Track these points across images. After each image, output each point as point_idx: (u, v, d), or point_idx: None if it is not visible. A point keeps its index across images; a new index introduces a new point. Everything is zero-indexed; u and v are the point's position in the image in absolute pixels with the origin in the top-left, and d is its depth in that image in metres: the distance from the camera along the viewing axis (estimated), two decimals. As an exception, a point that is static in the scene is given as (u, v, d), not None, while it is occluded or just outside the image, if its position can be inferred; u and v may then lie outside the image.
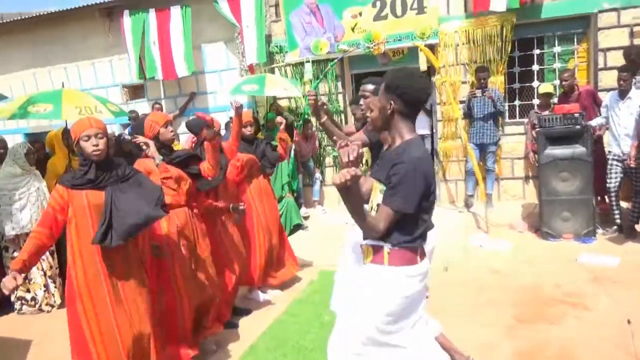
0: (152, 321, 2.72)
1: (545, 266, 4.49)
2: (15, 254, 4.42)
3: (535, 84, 6.10)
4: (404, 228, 2.02)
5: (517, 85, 6.20)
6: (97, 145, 2.50)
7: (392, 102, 2.06)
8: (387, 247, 2.04)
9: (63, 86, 5.52)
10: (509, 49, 5.93)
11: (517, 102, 6.24)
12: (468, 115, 6.00)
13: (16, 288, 2.29)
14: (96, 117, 5.09)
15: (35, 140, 5.63)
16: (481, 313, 3.68)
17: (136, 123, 3.32)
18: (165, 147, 3.14)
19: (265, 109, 7.07)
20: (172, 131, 3.15)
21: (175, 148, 3.35)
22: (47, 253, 4.47)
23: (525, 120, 6.04)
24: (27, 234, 4.42)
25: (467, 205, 6.22)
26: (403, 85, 2.04)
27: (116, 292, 2.58)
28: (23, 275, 2.34)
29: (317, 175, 6.91)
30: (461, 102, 6.17)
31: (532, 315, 3.57)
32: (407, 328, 2.14)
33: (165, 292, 3.07)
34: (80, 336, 2.55)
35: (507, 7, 5.61)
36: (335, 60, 6.29)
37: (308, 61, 6.46)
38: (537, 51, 6.06)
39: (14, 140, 6.46)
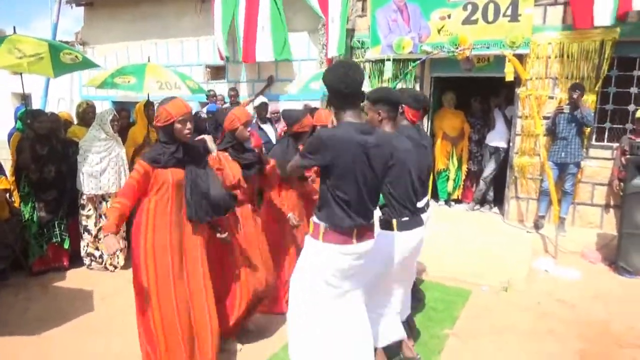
0: (209, 297, 2.83)
1: (619, 303, 4.18)
2: (90, 212, 4.76)
3: (631, 107, 5.65)
4: (328, 209, 2.31)
5: (610, 107, 5.78)
6: (190, 129, 2.70)
7: (328, 95, 2.42)
8: (322, 226, 2.33)
9: (149, 60, 5.84)
10: (607, 67, 5.54)
11: (607, 125, 5.82)
12: (552, 131, 5.68)
13: (118, 250, 2.56)
14: (175, 92, 5.42)
15: (122, 108, 5.99)
16: (541, 342, 3.50)
17: (221, 113, 3.44)
18: (238, 144, 3.23)
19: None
20: (249, 131, 3.24)
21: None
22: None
23: (615, 145, 5.62)
24: (102, 196, 4.74)
25: (537, 226, 5.91)
26: (332, 85, 2.32)
27: (180, 265, 2.72)
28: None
29: None
30: (545, 117, 5.85)
31: (600, 354, 3.34)
32: (340, 297, 2.39)
33: (226, 276, 3.18)
34: (141, 302, 2.71)
35: (611, 22, 5.22)
36: (418, 62, 6.17)
37: (389, 59, 6.39)
38: (638, 72, 5.62)
39: (102, 107, 6.93)
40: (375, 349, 2.83)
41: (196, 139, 3.02)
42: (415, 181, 2.83)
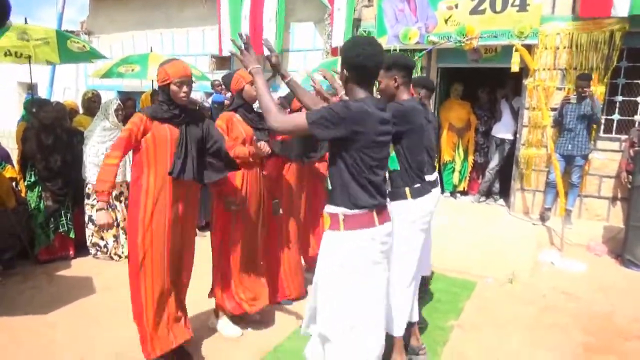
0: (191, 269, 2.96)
1: (624, 296, 4.17)
2: (95, 201, 4.76)
3: (640, 99, 5.59)
4: (345, 191, 2.12)
5: (619, 98, 5.72)
6: (186, 92, 2.70)
7: (344, 71, 2.20)
8: (341, 214, 2.13)
9: (151, 50, 5.84)
10: (616, 58, 5.46)
11: (615, 117, 5.76)
12: (559, 122, 5.62)
13: (112, 225, 2.55)
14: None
15: (128, 98, 5.98)
16: (545, 334, 3.49)
17: (226, 75, 3.41)
18: (247, 105, 3.23)
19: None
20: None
21: None
22: (122, 205, 4.77)
23: (623, 137, 5.57)
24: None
25: (543, 218, 5.88)
26: (349, 57, 2.15)
27: (175, 222, 2.76)
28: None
29: None
30: (552, 109, 5.79)
31: (604, 346, 3.33)
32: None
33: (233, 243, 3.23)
34: (135, 256, 2.73)
35: (629, 13, 5.14)
36: (424, 52, 6.11)
37: (395, 50, 6.34)
38: (648, 64, 5.54)
39: (108, 97, 6.93)
40: (394, 337, 2.80)
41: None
42: (429, 150, 2.81)
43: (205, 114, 5.74)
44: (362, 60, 2.13)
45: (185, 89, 2.69)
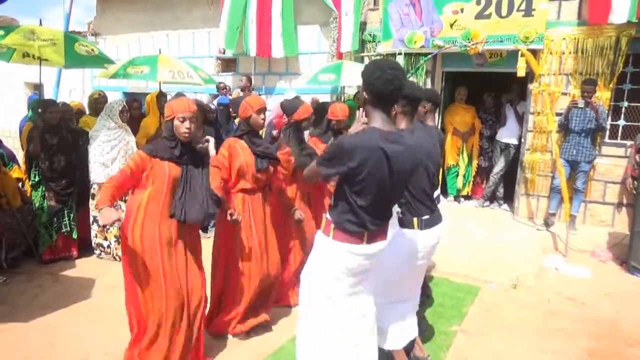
0: (202, 294, 2.86)
1: (629, 302, 4.15)
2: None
3: (646, 104, 5.57)
4: (342, 211, 2.24)
5: (624, 104, 5.70)
6: (189, 128, 2.68)
7: (364, 94, 2.24)
8: (333, 225, 2.27)
9: (160, 52, 5.87)
10: (622, 63, 5.45)
11: (621, 122, 5.75)
12: (564, 127, 5.61)
13: (118, 219, 2.51)
14: (187, 81, 5.40)
15: (134, 99, 6.01)
16: (550, 340, 3.48)
17: (235, 100, 3.41)
18: (252, 132, 3.22)
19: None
20: (263, 118, 3.21)
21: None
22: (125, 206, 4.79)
23: (629, 142, 5.55)
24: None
25: (547, 223, 5.86)
26: (368, 79, 2.18)
27: (170, 260, 2.72)
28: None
29: None
30: (557, 114, 5.78)
31: (609, 352, 3.32)
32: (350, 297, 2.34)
33: (231, 268, 3.22)
34: (133, 294, 2.75)
35: (627, 19, 5.14)
36: (429, 56, 6.11)
37: (400, 53, 6.34)
38: (654, 70, 5.53)
39: (113, 98, 6.95)
40: (392, 351, 2.83)
41: (199, 144, 2.96)
42: (432, 177, 2.79)
43: (211, 116, 5.78)
44: (382, 84, 2.15)
45: (187, 124, 2.66)
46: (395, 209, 2.70)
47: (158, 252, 2.68)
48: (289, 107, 3.78)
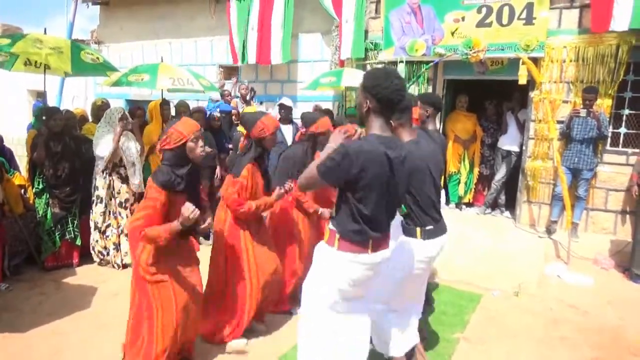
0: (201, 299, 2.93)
1: (632, 310, 4.14)
2: (100, 207, 4.79)
3: (647, 112, 5.59)
4: (345, 220, 2.23)
5: (625, 112, 5.72)
6: (203, 146, 2.65)
7: (367, 101, 2.21)
8: (338, 235, 2.25)
9: (162, 60, 5.91)
10: (622, 71, 5.48)
11: (622, 130, 5.76)
12: (566, 135, 5.62)
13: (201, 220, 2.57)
14: (188, 87, 5.45)
15: (137, 107, 6.04)
16: (553, 348, 3.47)
17: (247, 117, 3.40)
18: (265, 153, 3.27)
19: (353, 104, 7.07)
20: (275, 138, 3.30)
21: None
22: (127, 211, 4.79)
23: (630, 150, 5.56)
24: (112, 192, 4.78)
25: (549, 231, 5.86)
26: (376, 86, 2.16)
27: (178, 274, 2.75)
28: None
29: None
30: (558, 122, 5.80)
31: (612, 361, 3.30)
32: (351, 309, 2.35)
33: (236, 273, 3.23)
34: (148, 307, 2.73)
35: (629, 27, 5.17)
36: (431, 64, 6.14)
37: (402, 61, 6.38)
38: (654, 77, 5.55)
39: (115, 105, 6.99)
40: (393, 358, 2.83)
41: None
42: (437, 187, 2.80)
43: (214, 124, 5.81)
44: (389, 93, 2.16)
45: (201, 143, 2.64)
46: (400, 217, 2.71)
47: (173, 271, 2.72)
48: (307, 119, 3.79)
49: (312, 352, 2.41)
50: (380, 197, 2.20)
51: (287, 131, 5.82)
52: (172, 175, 2.60)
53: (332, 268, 2.29)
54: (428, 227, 2.74)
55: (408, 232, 2.77)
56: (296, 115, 5.96)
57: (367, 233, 2.23)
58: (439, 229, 2.81)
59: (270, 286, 3.36)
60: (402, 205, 2.74)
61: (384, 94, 2.16)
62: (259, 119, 3.21)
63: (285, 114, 5.91)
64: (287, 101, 5.96)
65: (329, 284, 2.30)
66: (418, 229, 2.74)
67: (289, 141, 5.57)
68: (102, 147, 4.69)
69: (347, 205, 2.22)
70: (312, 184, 2.34)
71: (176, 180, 2.61)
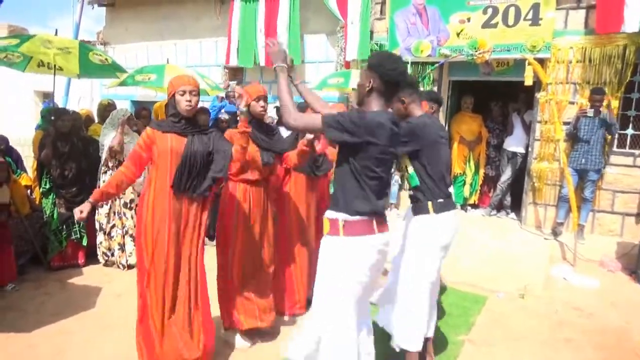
0: (202, 273, 2.89)
1: (638, 313, 4.11)
2: (105, 209, 4.81)
3: (654, 114, 5.55)
4: (350, 196, 2.15)
5: (632, 113, 5.68)
6: (189, 101, 2.70)
7: (371, 80, 2.21)
8: (341, 220, 2.16)
9: (168, 62, 5.94)
10: (630, 72, 5.44)
11: (629, 131, 5.72)
12: (573, 135, 5.59)
13: (84, 218, 2.59)
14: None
15: (143, 107, 6.06)
16: (558, 350, 3.45)
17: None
18: (255, 121, 3.18)
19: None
20: (262, 106, 3.16)
21: None
22: (133, 212, 4.81)
23: (637, 151, 5.53)
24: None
25: (555, 233, 5.83)
26: (384, 67, 2.17)
27: (177, 237, 2.76)
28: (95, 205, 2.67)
29: (396, 178, 6.77)
30: (565, 123, 5.77)
31: (618, 364, 3.27)
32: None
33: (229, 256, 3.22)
34: (141, 267, 2.77)
35: (639, 28, 5.13)
36: (436, 65, 6.13)
37: (407, 62, 6.36)
38: (662, 79, 5.51)
39: (122, 106, 7.02)
40: (406, 352, 2.79)
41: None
42: (447, 162, 2.84)
43: (223, 127, 5.81)
44: (396, 75, 2.20)
45: (187, 97, 2.68)
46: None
47: (166, 228, 2.71)
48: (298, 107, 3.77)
49: (336, 349, 2.24)
50: (385, 167, 2.21)
51: (285, 132, 5.79)
52: (165, 120, 2.78)
53: (343, 258, 2.17)
54: (439, 200, 2.73)
55: (419, 209, 2.75)
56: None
57: (372, 205, 2.18)
58: (450, 203, 2.80)
59: (255, 285, 3.31)
60: (413, 178, 2.74)
61: (390, 75, 2.19)
62: (244, 87, 3.26)
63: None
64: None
65: (344, 278, 2.17)
66: (430, 203, 2.72)
67: None
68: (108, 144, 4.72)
69: (352, 176, 2.16)
70: (306, 127, 2.33)
71: (164, 123, 2.75)
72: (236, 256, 3.21)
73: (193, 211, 2.81)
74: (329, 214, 2.24)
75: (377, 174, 2.18)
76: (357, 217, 2.17)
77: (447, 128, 6.87)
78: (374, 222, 2.20)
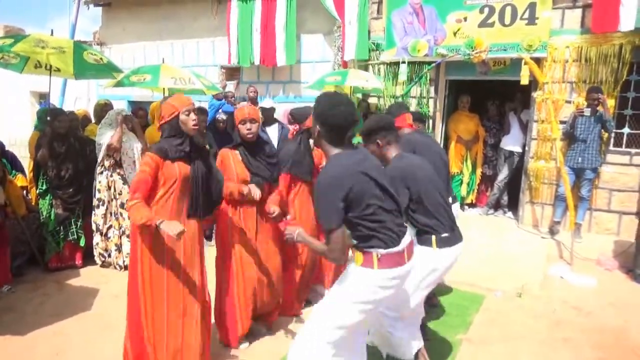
0: (201, 297, 2.86)
1: (635, 311, 4.11)
2: (101, 210, 4.78)
3: (651, 112, 5.57)
4: (356, 234, 2.20)
5: (629, 112, 5.70)
6: (195, 119, 2.67)
7: (317, 127, 2.25)
8: (376, 254, 2.18)
9: (163, 62, 5.91)
10: (626, 71, 5.46)
11: (625, 130, 5.74)
12: (569, 134, 5.60)
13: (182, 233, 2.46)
14: (189, 87, 5.46)
15: (140, 108, 6.05)
16: (556, 349, 3.46)
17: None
18: (247, 145, 3.18)
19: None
20: (248, 129, 3.13)
21: None
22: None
23: (633, 150, 5.54)
24: (113, 194, 4.78)
25: (552, 232, 5.84)
26: (324, 113, 2.20)
27: (176, 263, 2.73)
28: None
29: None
30: (561, 122, 5.78)
31: (615, 362, 3.28)
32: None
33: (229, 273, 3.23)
34: (134, 296, 2.76)
35: (635, 27, 5.14)
36: (433, 64, 6.13)
37: (404, 62, 6.37)
38: (658, 78, 5.53)
39: (118, 107, 7.00)
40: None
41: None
42: (443, 192, 2.78)
43: (219, 127, 5.79)
44: (340, 120, 2.19)
45: (193, 116, 2.66)
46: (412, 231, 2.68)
47: (164, 255, 2.68)
48: (299, 115, 3.75)
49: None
50: (378, 203, 2.19)
51: (273, 132, 5.78)
52: (167, 145, 2.66)
53: (368, 288, 2.20)
54: (443, 235, 2.69)
55: (423, 241, 2.72)
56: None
57: (400, 237, 2.23)
58: (455, 237, 2.76)
59: (262, 295, 3.32)
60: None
61: (332, 121, 2.19)
62: (240, 108, 3.22)
63: (266, 116, 5.84)
64: (266, 103, 5.90)
65: (358, 304, 2.21)
66: (433, 237, 2.68)
67: (275, 141, 5.56)
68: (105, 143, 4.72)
69: (361, 226, 2.18)
70: (340, 245, 2.15)
71: (170, 149, 2.65)
72: (234, 271, 3.22)
73: (197, 232, 2.82)
74: (361, 247, 2.23)
75: (380, 208, 2.19)
76: (392, 250, 2.21)
77: (444, 127, 6.89)
78: (405, 251, 2.26)
